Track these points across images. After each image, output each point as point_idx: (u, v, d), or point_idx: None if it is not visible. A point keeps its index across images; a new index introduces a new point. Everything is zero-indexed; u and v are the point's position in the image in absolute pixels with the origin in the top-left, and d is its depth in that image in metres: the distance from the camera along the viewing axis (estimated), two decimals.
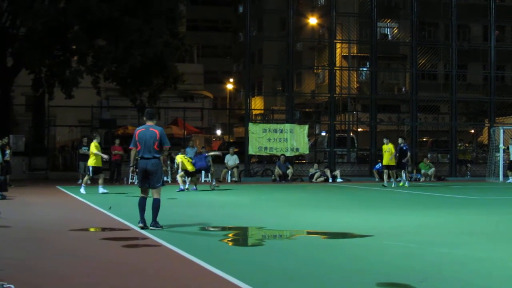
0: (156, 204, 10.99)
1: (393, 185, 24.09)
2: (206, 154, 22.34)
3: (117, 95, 38.62)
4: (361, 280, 7.08)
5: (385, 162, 24.44)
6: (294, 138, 29.38)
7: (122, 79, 31.29)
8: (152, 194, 11.09)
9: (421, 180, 28.84)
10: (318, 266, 7.92)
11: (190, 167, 21.14)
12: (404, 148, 24.48)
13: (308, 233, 11.17)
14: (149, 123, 11.30)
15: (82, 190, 19.63)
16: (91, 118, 34.69)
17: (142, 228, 10.97)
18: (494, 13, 32.52)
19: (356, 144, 35.04)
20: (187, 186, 21.36)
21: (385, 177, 24.73)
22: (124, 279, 7.21)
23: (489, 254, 8.84)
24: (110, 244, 9.78)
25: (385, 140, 24.52)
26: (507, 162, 28.75)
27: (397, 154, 24.27)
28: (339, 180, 28.25)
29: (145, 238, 10.13)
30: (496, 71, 33.19)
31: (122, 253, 9.03)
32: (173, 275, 7.49)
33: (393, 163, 24.26)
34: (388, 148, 24.18)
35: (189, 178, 21.59)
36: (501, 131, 29.37)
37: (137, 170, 11.21)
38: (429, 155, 33.20)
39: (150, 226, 10.94)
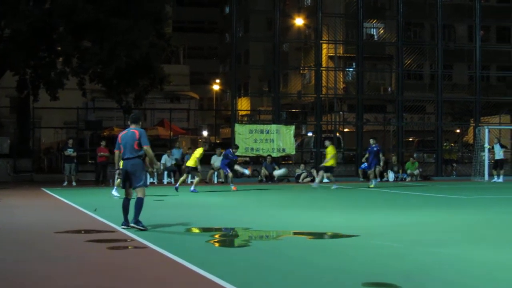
0: (139, 202, 10.96)
1: (373, 183, 24.09)
2: (232, 151, 22.63)
3: (102, 96, 38.38)
4: (347, 280, 7.08)
5: (329, 163, 23.45)
6: (281, 139, 29.37)
7: (107, 80, 31.14)
8: (136, 193, 11.14)
9: (407, 180, 28.95)
10: (304, 266, 7.92)
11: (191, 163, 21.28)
12: (375, 149, 24.34)
13: (295, 233, 11.17)
14: (132, 126, 11.31)
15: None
16: (77, 119, 34.58)
17: (125, 228, 11.03)
18: (479, 14, 32.71)
19: (342, 145, 35.07)
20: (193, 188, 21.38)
21: (327, 179, 24.14)
22: (110, 281, 7.17)
23: (474, 253, 8.86)
24: (96, 246, 9.72)
25: (326, 143, 23.91)
26: (493, 161, 28.95)
27: (367, 155, 24.30)
28: (325, 180, 28.22)
29: (131, 240, 10.08)
30: (481, 71, 33.39)
31: (108, 255, 8.98)
32: (159, 276, 7.45)
33: (335, 165, 23.77)
34: (329, 151, 23.32)
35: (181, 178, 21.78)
36: (486, 130, 29.55)
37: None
38: (415, 155, 33.33)
39: (131, 223, 10.91)
